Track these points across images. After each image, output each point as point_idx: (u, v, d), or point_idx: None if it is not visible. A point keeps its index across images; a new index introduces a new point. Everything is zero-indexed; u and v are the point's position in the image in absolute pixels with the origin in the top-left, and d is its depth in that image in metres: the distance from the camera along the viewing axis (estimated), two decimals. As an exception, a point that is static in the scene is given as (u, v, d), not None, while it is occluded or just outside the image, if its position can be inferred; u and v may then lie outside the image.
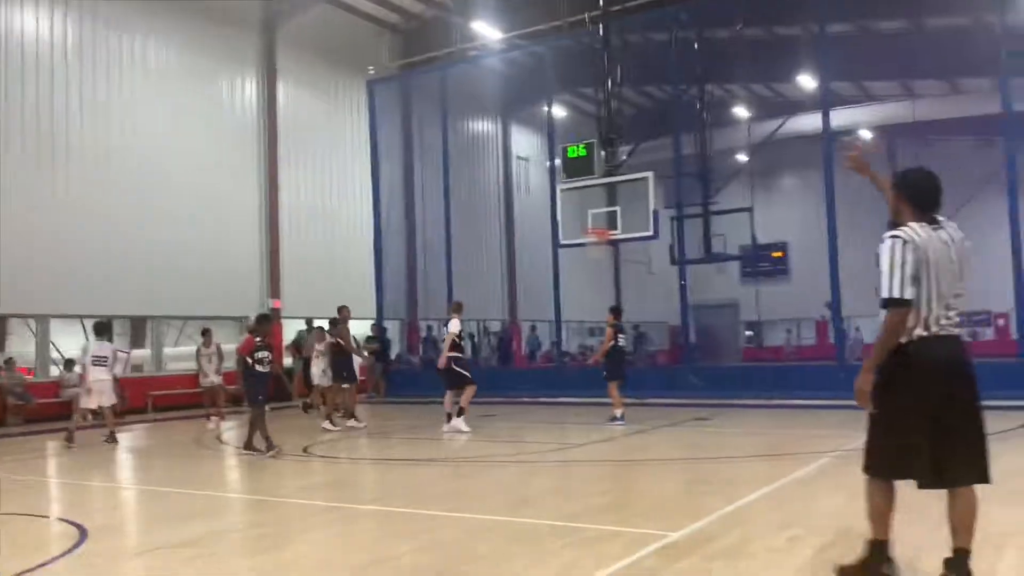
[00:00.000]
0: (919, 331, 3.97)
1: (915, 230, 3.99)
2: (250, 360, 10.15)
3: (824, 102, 16.19)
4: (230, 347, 15.96)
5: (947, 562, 3.98)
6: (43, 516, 7.10)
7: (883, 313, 3.96)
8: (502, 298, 29.04)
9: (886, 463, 4.06)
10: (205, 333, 15.83)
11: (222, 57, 21.22)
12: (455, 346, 12.00)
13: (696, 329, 39.82)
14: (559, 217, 15.94)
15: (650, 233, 15.23)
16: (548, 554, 5.12)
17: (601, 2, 17.32)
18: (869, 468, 4.14)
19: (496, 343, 29.51)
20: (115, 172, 18.42)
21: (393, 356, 23.27)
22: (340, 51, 24.16)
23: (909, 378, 3.96)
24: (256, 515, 7.11)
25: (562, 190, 15.82)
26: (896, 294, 3.90)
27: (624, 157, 15.65)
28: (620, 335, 12.85)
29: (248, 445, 10.22)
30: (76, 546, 5.63)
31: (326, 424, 13.05)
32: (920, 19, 22.48)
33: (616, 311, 13.14)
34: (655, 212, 14.98)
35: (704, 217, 18.89)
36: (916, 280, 3.93)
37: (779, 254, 35.37)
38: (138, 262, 18.61)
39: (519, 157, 30.56)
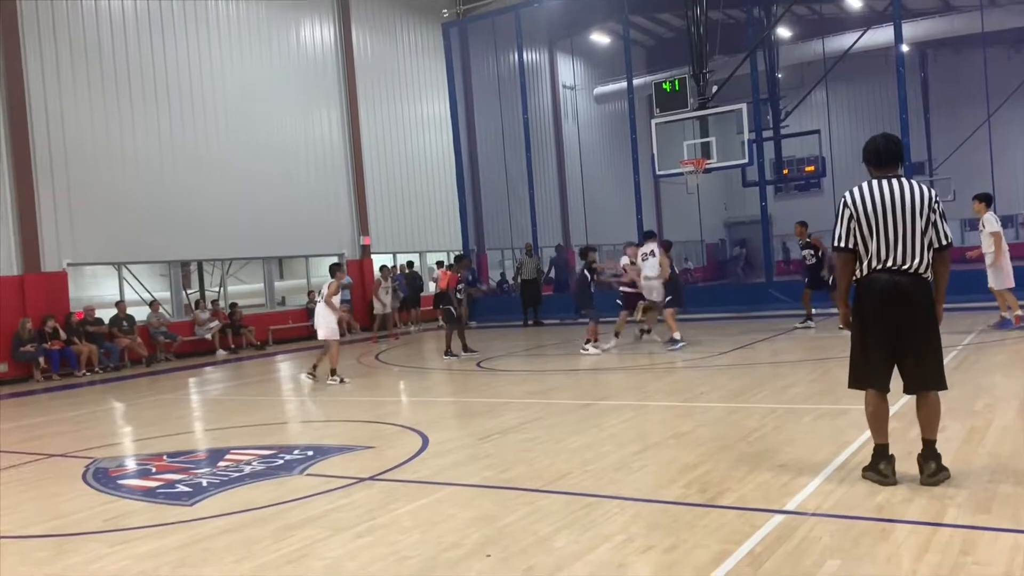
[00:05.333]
0: (867, 268, 4.86)
1: (860, 190, 4.86)
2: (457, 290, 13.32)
3: (896, 15, 17.52)
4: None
5: (921, 451, 4.89)
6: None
7: None
8: (556, 223, 30.53)
9: (858, 376, 4.99)
10: (383, 269, 19.59)
11: (301, 6, 22.16)
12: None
13: (734, 244, 41.58)
14: (654, 149, 17.25)
15: (745, 160, 16.67)
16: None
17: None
18: (849, 382, 5.06)
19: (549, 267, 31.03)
20: (205, 121, 19.54)
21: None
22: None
23: (862, 306, 4.90)
24: (535, 412, 8.70)
25: (657, 124, 17.10)
26: (837, 243, 4.95)
27: (715, 89, 16.89)
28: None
29: (448, 352, 13.90)
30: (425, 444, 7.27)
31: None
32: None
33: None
34: (751, 140, 16.40)
35: (775, 140, 20.25)
36: (856, 231, 4.83)
37: (811, 168, 36.73)
38: (236, 205, 19.89)
39: (565, 86, 31.64)
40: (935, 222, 4.81)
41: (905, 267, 4.77)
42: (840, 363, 9.55)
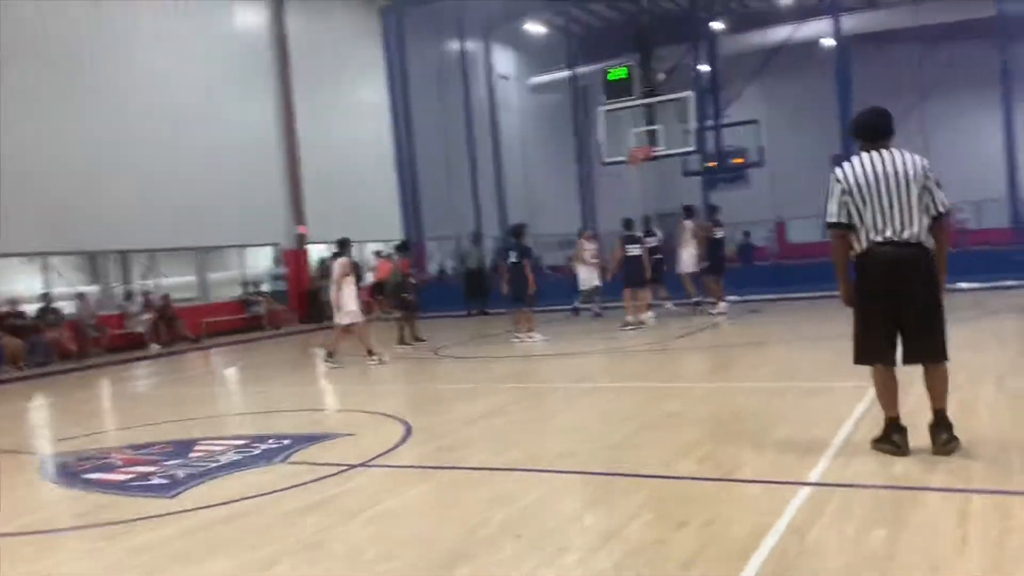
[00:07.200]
0: (865, 242, 4.81)
1: (852, 164, 4.84)
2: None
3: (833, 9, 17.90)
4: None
5: (932, 421, 4.87)
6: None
7: None
8: (493, 213, 30.33)
9: (863, 352, 4.94)
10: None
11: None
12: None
13: (665, 235, 42.03)
14: (601, 137, 17.20)
15: (692, 148, 16.81)
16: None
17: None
18: (855, 357, 4.99)
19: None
20: (131, 106, 18.56)
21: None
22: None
23: (863, 280, 4.85)
24: (510, 396, 8.55)
25: (606, 111, 17.07)
26: (829, 219, 4.90)
27: (662, 76, 16.98)
28: (630, 245, 13.98)
29: (401, 341, 13.50)
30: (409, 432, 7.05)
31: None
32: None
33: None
34: (696, 129, 16.55)
35: (715, 129, 20.54)
36: (851, 205, 4.78)
37: (739, 160, 37.39)
38: (164, 195, 18.94)
39: (501, 76, 31.45)
40: (930, 189, 4.77)
41: (905, 235, 4.73)
42: (789, 347, 9.78)
